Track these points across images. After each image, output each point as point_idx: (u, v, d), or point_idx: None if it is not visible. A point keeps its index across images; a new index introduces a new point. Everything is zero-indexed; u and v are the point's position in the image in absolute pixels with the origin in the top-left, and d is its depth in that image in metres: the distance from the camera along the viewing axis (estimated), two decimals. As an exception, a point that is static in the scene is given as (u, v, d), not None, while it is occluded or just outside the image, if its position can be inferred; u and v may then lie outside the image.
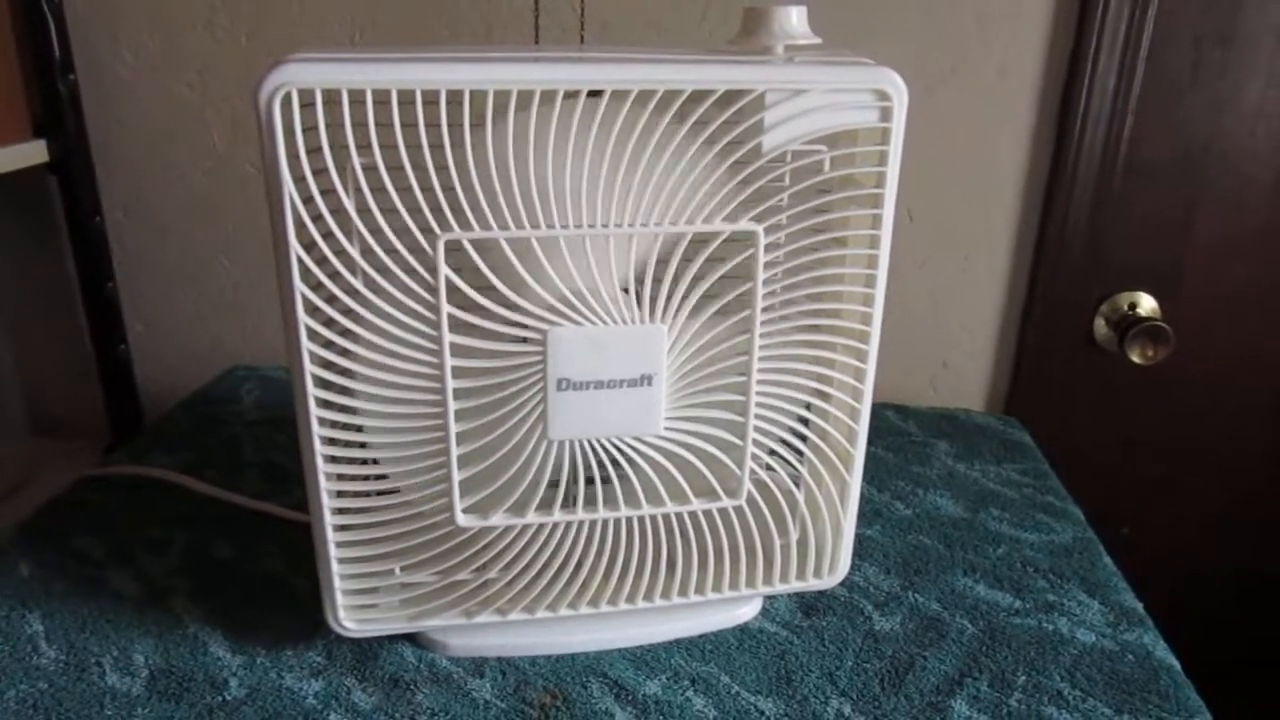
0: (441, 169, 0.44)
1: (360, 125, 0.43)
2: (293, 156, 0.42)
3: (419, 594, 0.54)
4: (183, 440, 0.82)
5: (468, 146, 0.43)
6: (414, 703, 0.53)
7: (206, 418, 0.87)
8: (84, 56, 0.92)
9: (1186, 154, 0.88)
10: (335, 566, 0.51)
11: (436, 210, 0.44)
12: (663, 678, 0.55)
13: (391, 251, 0.45)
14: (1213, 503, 1.02)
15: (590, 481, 0.52)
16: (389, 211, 0.44)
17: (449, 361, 0.47)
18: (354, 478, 0.50)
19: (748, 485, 0.53)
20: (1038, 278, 0.92)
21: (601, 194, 0.46)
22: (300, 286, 0.45)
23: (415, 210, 0.44)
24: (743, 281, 0.49)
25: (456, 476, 0.49)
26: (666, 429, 0.51)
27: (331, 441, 0.48)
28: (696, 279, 0.48)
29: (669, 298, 0.48)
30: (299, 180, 0.43)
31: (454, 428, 0.48)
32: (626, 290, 0.48)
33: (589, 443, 0.50)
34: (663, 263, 0.48)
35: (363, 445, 0.49)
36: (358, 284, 0.46)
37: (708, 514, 0.54)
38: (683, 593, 0.56)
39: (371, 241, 0.45)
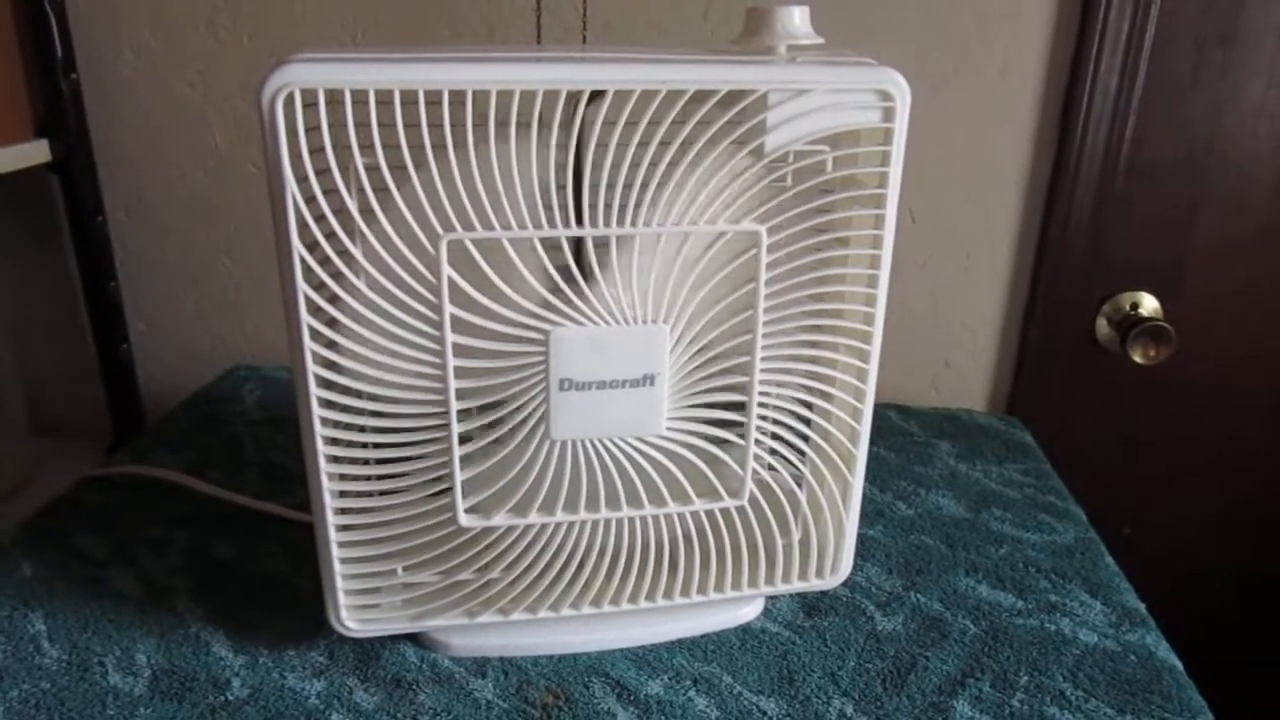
0: (444, 169, 0.44)
1: (363, 125, 0.43)
2: (295, 156, 0.42)
3: (421, 594, 0.54)
4: (184, 440, 0.82)
5: (470, 146, 0.43)
6: (416, 703, 0.53)
7: (208, 417, 0.87)
8: (86, 56, 0.92)
9: (1188, 154, 0.88)
10: (337, 566, 0.51)
11: (439, 210, 0.44)
12: (665, 678, 0.55)
13: (394, 252, 0.45)
14: (1214, 503, 1.02)
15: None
16: (391, 212, 0.44)
17: (451, 362, 0.47)
18: (356, 477, 0.50)
19: (750, 485, 0.53)
20: (1040, 278, 0.92)
21: (603, 195, 0.46)
22: (303, 286, 0.45)
23: (418, 210, 0.44)
24: (745, 281, 0.49)
25: (459, 476, 0.49)
26: (669, 429, 0.51)
27: (334, 441, 0.48)
28: (699, 279, 0.48)
29: (671, 298, 0.48)
30: (302, 180, 0.43)
31: (456, 428, 0.48)
32: (629, 291, 0.48)
33: (591, 443, 0.50)
34: (665, 263, 0.48)
35: (365, 445, 0.49)
36: (360, 284, 0.46)
37: (710, 514, 0.54)
38: (685, 593, 0.56)
39: (374, 241, 0.45)
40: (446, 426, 0.48)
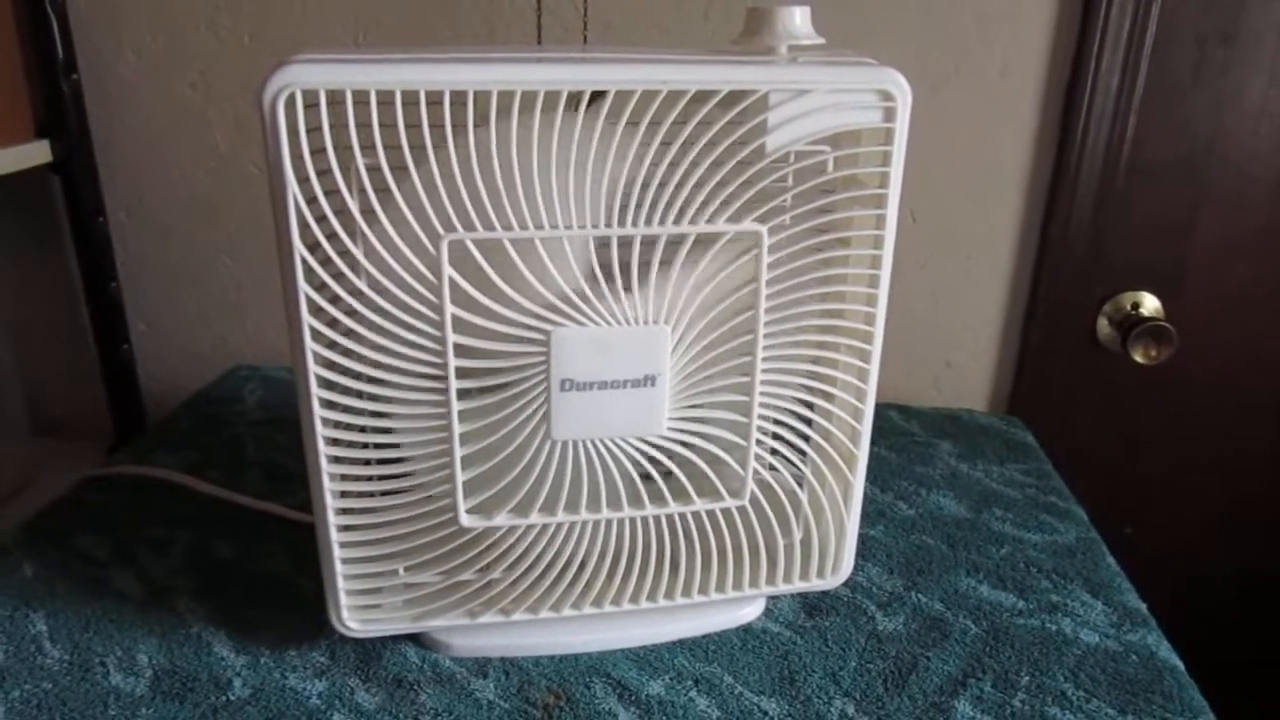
0: (445, 169, 0.44)
1: (364, 126, 0.43)
2: (297, 157, 0.42)
3: (423, 594, 0.54)
4: (186, 440, 0.82)
5: (471, 147, 0.43)
6: (417, 703, 0.53)
7: (209, 418, 0.87)
8: (87, 56, 0.92)
9: (1190, 153, 0.88)
10: (339, 567, 0.51)
11: (440, 210, 0.44)
12: (666, 678, 0.55)
13: (395, 252, 0.45)
14: (1215, 503, 1.02)
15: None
16: (392, 212, 0.44)
17: (453, 362, 0.47)
18: (358, 478, 0.50)
19: (751, 485, 0.53)
20: (1040, 278, 0.92)
21: (606, 194, 0.46)
22: (304, 287, 0.45)
23: (419, 210, 0.44)
24: (746, 282, 0.49)
25: (460, 477, 0.49)
26: (670, 429, 0.51)
27: (335, 442, 0.48)
28: (700, 280, 0.48)
29: (672, 298, 0.48)
30: (303, 181, 0.43)
31: (457, 428, 0.48)
32: (630, 290, 0.48)
33: (593, 443, 0.50)
34: (666, 263, 0.48)
35: (366, 446, 0.50)
36: (361, 284, 0.46)
37: (711, 514, 0.54)
38: (686, 593, 0.56)
39: (375, 242, 0.45)
40: (448, 427, 0.48)
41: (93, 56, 0.92)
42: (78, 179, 0.93)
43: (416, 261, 0.45)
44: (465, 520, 0.50)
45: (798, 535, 0.57)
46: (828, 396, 0.54)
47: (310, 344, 0.46)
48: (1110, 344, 0.95)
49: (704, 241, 0.48)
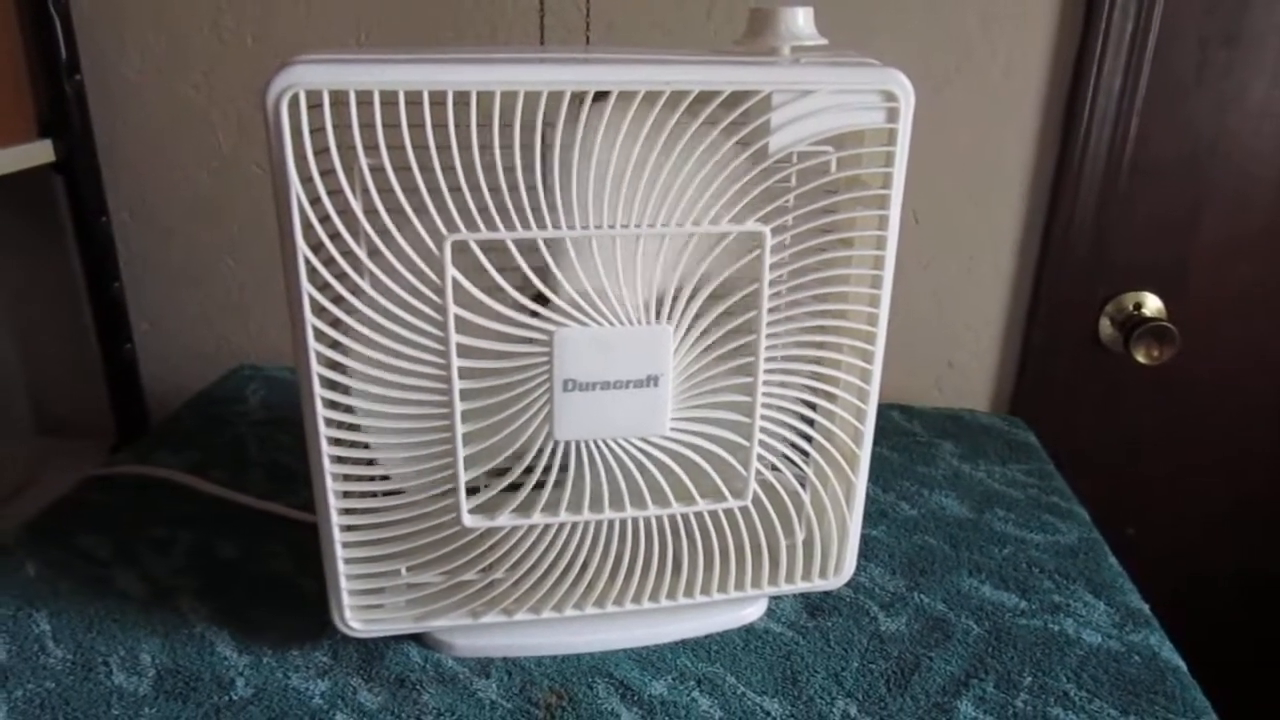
0: (448, 170, 0.44)
1: (367, 126, 0.43)
2: (300, 157, 0.43)
3: (425, 594, 0.54)
4: (188, 440, 0.82)
5: (474, 147, 0.43)
6: (420, 703, 0.53)
7: (212, 418, 0.87)
8: (90, 57, 0.92)
9: (1192, 154, 0.88)
10: (341, 566, 0.51)
11: (443, 211, 0.44)
12: (668, 678, 0.55)
13: (398, 252, 0.45)
14: (1218, 503, 1.02)
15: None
16: (396, 212, 0.44)
17: (455, 362, 0.47)
18: (360, 478, 0.50)
19: (753, 486, 0.53)
20: (1043, 278, 0.92)
21: (608, 195, 0.46)
22: (307, 287, 0.45)
23: (422, 211, 0.44)
24: (749, 282, 0.49)
25: (463, 477, 0.49)
26: (672, 430, 0.51)
27: (338, 442, 0.49)
28: (703, 280, 0.48)
29: (675, 298, 0.48)
30: (306, 181, 0.43)
31: (460, 428, 0.48)
32: (632, 291, 0.48)
33: (595, 443, 0.50)
34: (669, 264, 0.48)
35: (369, 446, 0.50)
36: (364, 285, 0.46)
37: (713, 515, 0.54)
38: (688, 593, 0.56)
39: (378, 242, 0.45)
40: (450, 427, 0.48)
41: (96, 57, 0.92)
42: (80, 179, 0.93)
43: (419, 262, 0.45)
44: (468, 520, 0.50)
45: (800, 535, 0.57)
46: (830, 397, 0.54)
47: (313, 344, 0.46)
48: (1112, 344, 0.95)
49: (707, 241, 0.48)
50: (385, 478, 0.51)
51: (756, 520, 0.55)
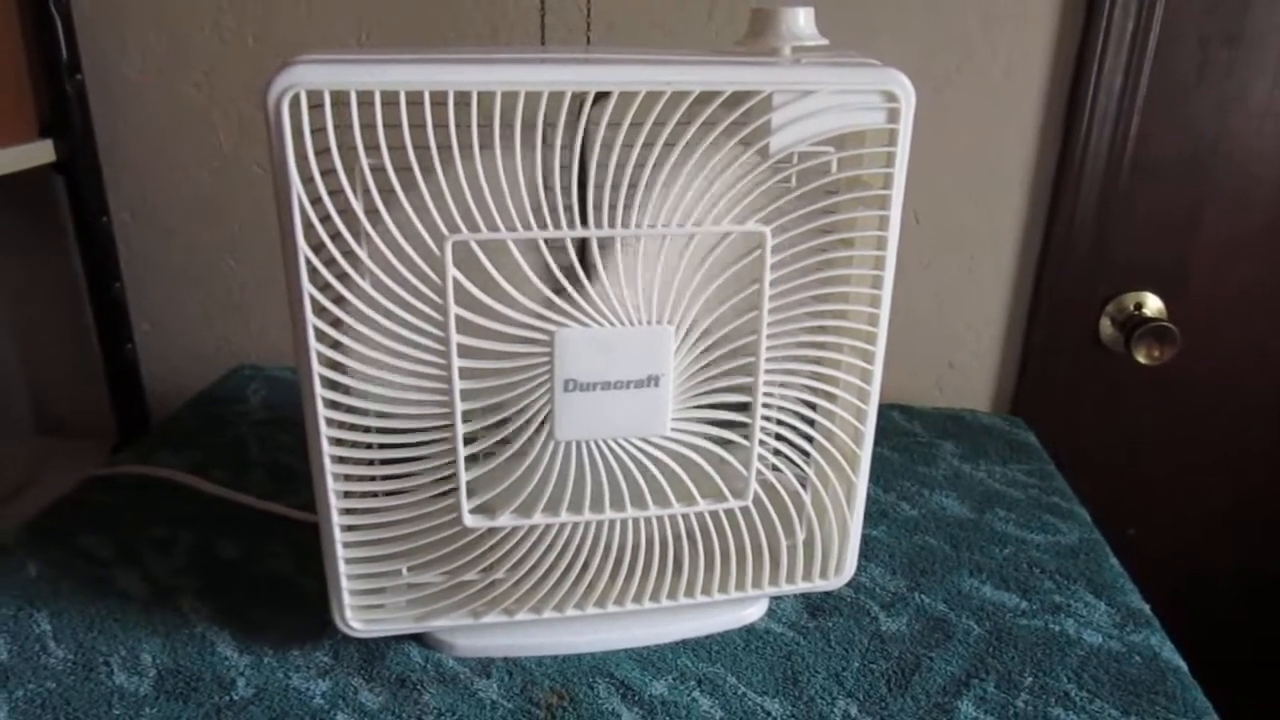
0: (449, 170, 0.44)
1: (368, 126, 0.43)
2: (301, 157, 0.43)
3: (426, 594, 0.54)
4: (189, 440, 0.82)
5: (475, 147, 0.43)
6: (421, 703, 0.53)
7: (213, 418, 0.87)
8: (91, 57, 0.92)
9: (1193, 153, 0.88)
10: (342, 566, 0.51)
11: (444, 211, 0.44)
12: (669, 678, 0.55)
13: (399, 252, 0.45)
14: (1218, 503, 1.02)
15: None
16: (397, 213, 0.44)
17: (456, 362, 0.47)
18: (361, 478, 0.50)
19: (754, 486, 0.53)
20: (1043, 278, 0.92)
21: (608, 196, 0.46)
22: (308, 287, 0.45)
23: (423, 211, 0.44)
24: (750, 282, 0.49)
25: (464, 477, 0.49)
26: (673, 430, 0.51)
27: (339, 442, 0.49)
28: (704, 280, 0.48)
29: (676, 299, 0.48)
30: (307, 181, 0.43)
31: (461, 428, 0.48)
32: (633, 291, 0.48)
33: (596, 444, 0.50)
34: (670, 264, 0.48)
35: (370, 446, 0.50)
36: (365, 285, 0.46)
37: (714, 515, 0.54)
38: (689, 593, 0.56)
39: (379, 242, 0.45)
40: (451, 427, 0.48)
41: (97, 57, 0.92)
42: (81, 179, 0.93)
43: (420, 262, 0.45)
44: (469, 520, 0.50)
45: (801, 536, 0.57)
46: (831, 397, 0.54)
47: (314, 344, 0.46)
48: (1113, 344, 0.95)
49: (708, 242, 0.48)
50: (386, 478, 0.51)
51: (757, 520, 0.55)
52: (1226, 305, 0.94)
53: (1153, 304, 0.94)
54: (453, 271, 0.45)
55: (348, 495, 0.50)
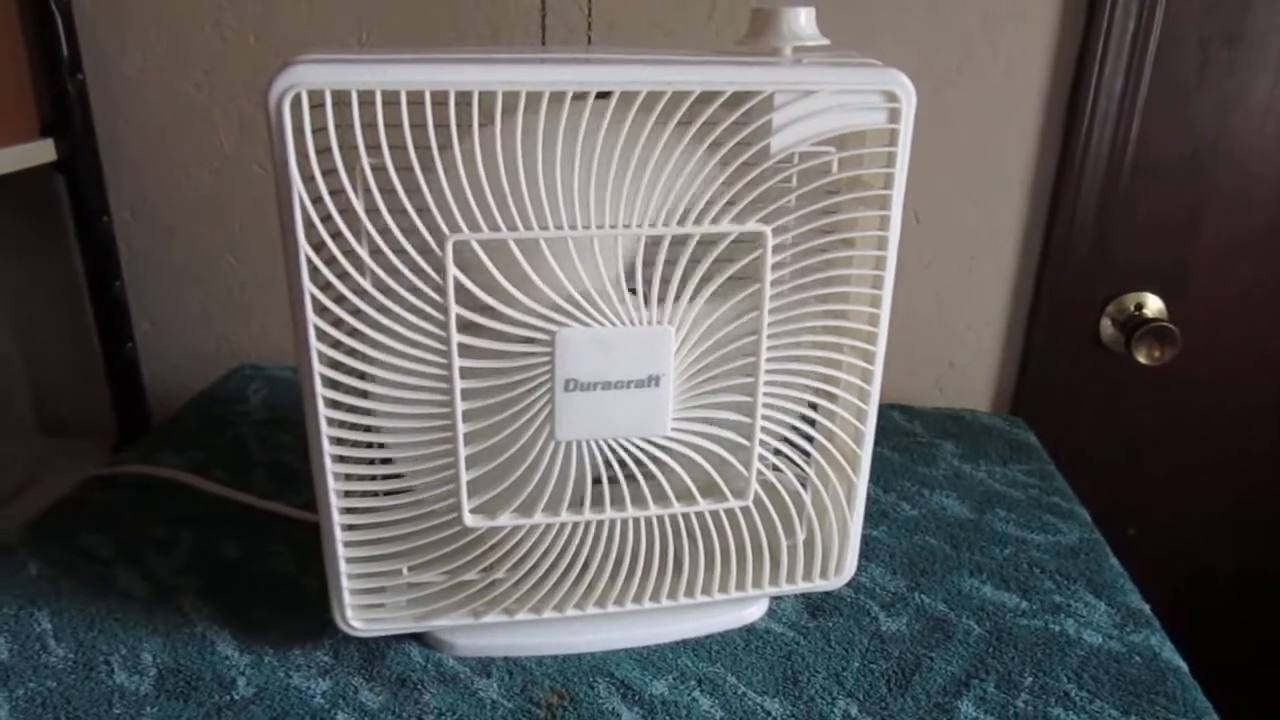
0: (450, 170, 0.44)
1: (369, 126, 0.43)
2: (302, 156, 0.43)
3: (426, 594, 0.54)
4: (190, 440, 0.82)
5: (476, 147, 0.43)
6: (421, 702, 0.53)
7: (213, 417, 0.87)
8: (92, 56, 0.92)
9: (1194, 154, 0.88)
10: (343, 566, 0.51)
11: (445, 211, 0.44)
12: (669, 678, 0.55)
13: (400, 252, 0.45)
14: (1219, 503, 1.02)
15: (597, 481, 0.52)
16: (398, 212, 0.44)
17: (457, 362, 0.47)
18: (362, 477, 0.50)
19: (754, 486, 0.53)
20: (1044, 278, 0.92)
21: (610, 195, 0.46)
22: (309, 286, 0.45)
23: (424, 211, 0.44)
24: (750, 282, 0.49)
25: (464, 477, 0.49)
26: (674, 430, 0.51)
27: (340, 441, 0.49)
28: (704, 280, 0.48)
29: (677, 299, 0.48)
30: (308, 180, 0.43)
31: (462, 428, 0.48)
32: (634, 291, 0.48)
33: (596, 443, 0.50)
34: (670, 264, 0.48)
35: (370, 445, 0.50)
36: (366, 284, 0.46)
37: (714, 515, 0.54)
38: (689, 593, 0.56)
39: (380, 242, 0.45)
40: (451, 426, 0.48)
41: (97, 55, 0.92)
42: (82, 178, 0.93)
43: (421, 262, 0.45)
44: (469, 520, 0.50)
45: (801, 535, 0.57)
46: (831, 397, 0.54)
47: (315, 343, 0.46)
48: (1113, 344, 0.95)
49: (708, 242, 0.48)
50: (387, 478, 0.51)
51: (757, 520, 0.55)
52: (1227, 305, 0.94)
53: (1153, 304, 0.94)
54: (453, 271, 0.45)
55: (348, 495, 0.50)
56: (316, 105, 0.42)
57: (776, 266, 0.49)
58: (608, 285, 0.47)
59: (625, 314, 0.48)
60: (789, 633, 0.60)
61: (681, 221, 0.47)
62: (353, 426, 0.49)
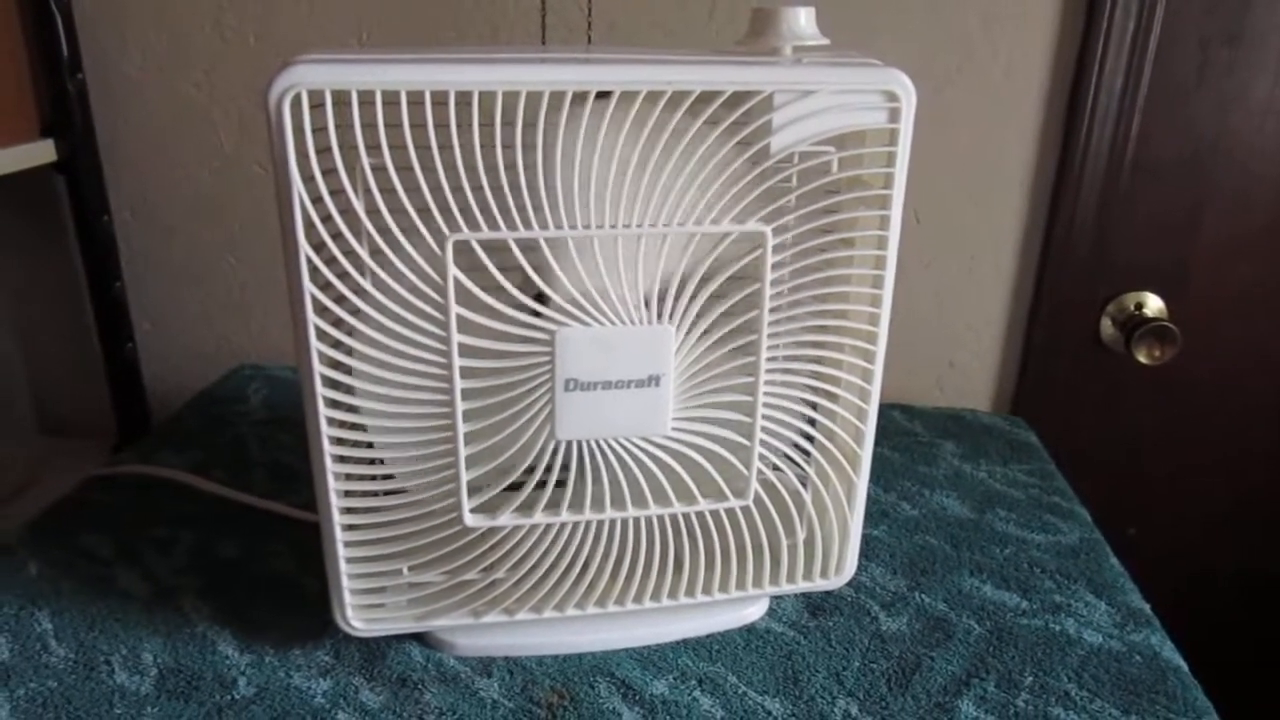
0: (450, 170, 0.44)
1: (370, 126, 0.43)
2: (302, 156, 0.43)
3: (427, 594, 0.54)
4: (190, 440, 0.82)
5: (476, 147, 0.43)
6: (422, 702, 0.53)
7: (213, 417, 0.87)
8: (92, 55, 0.92)
9: (1194, 153, 0.88)
10: (343, 566, 0.51)
11: (445, 211, 0.44)
12: (670, 677, 0.55)
13: (400, 252, 0.45)
14: (1219, 503, 1.02)
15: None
16: (398, 212, 0.44)
17: (457, 362, 0.47)
18: (362, 477, 0.50)
19: (755, 486, 0.53)
20: (1044, 278, 0.92)
21: (610, 195, 0.46)
22: (309, 286, 0.45)
23: (424, 211, 0.44)
24: (750, 282, 0.49)
25: (465, 476, 0.49)
26: (674, 429, 0.51)
27: (340, 441, 0.49)
28: (704, 280, 0.48)
29: (677, 298, 0.48)
30: (308, 180, 0.43)
31: (462, 428, 0.48)
32: (634, 291, 0.48)
33: (597, 443, 0.50)
34: (670, 264, 0.48)
35: (371, 445, 0.50)
36: (366, 284, 0.46)
37: (715, 514, 0.54)
38: (690, 593, 0.56)
39: (380, 242, 0.45)
40: (452, 426, 0.48)
41: (97, 55, 0.92)
42: (82, 178, 0.93)
43: (421, 261, 0.45)
44: (469, 520, 0.50)
45: (801, 535, 0.57)
46: (832, 396, 0.54)
47: (315, 343, 0.46)
48: (1114, 344, 0.95)
49: (709, 241, 0.48)
50: (387, 477, 0.51)
51: (758, 520, 0.55)
52: (1227, 305, 0.94)
53: (1153, 304, 0.94)
54: (454, 270, 0.45)
55: (348, 495, 0.50)
56: (316, 105, 0.42)
57: (777, 266, 0.49)
58: (608, 285, 0.47)
59: (625, 314, 0.48)
60: (789, 632, 0.60)
61: (682, 221, 0.47)
62: (353, 426, 0.49)
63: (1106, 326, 0.95)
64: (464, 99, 0.43)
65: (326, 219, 0.44)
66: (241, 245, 0.99)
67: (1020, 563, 0.68)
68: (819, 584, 0.58)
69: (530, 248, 0.46)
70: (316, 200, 0.44)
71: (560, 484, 0.51)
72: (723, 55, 0.48)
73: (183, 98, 0.94)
